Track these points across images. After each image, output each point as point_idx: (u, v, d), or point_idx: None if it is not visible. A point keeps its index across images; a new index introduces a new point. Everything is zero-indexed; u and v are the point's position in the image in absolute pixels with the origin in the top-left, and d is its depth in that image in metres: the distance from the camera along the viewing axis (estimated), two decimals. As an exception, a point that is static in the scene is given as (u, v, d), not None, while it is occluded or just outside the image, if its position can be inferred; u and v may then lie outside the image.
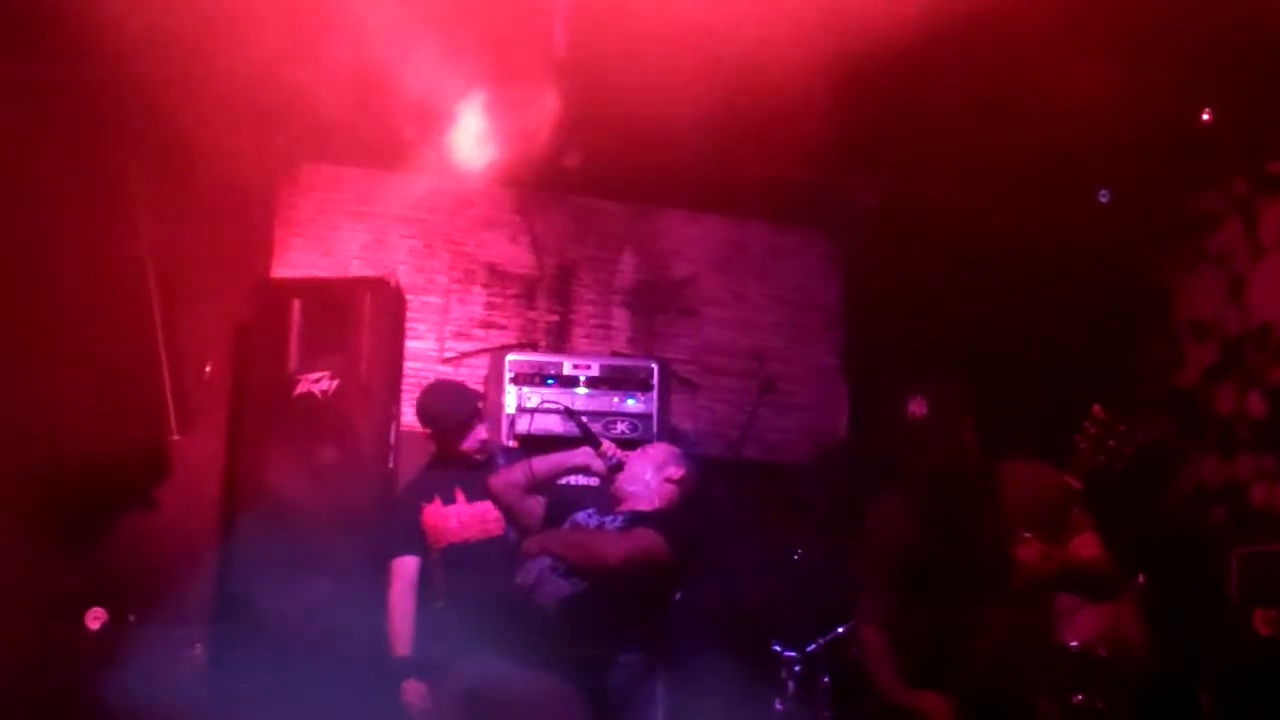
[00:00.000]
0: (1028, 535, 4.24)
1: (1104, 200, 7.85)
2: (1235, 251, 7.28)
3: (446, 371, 7.38)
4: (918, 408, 4.42)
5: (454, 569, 5.67)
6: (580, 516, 5.03)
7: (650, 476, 5.12)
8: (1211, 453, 7.29)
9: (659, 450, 5.30)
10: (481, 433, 5.93)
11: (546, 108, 6.65)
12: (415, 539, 5.71)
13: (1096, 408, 4.24)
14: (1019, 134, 7.12)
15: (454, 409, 5.86)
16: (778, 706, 6.32)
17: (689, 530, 5.02)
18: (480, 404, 6.05)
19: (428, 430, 5.91)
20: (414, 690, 5.45)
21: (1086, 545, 4.36)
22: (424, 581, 5.77)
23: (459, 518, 5.74)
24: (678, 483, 5.14)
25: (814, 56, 6.11)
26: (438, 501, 5.75)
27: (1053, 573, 4.30)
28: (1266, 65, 6.34)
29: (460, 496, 5.78)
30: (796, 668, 6.26)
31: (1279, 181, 6.98)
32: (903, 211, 7.92)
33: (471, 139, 6.74)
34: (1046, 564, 4.27)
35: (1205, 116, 6.93)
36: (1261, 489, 6.88)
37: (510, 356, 6.78)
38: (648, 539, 4.81)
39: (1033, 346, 7.63)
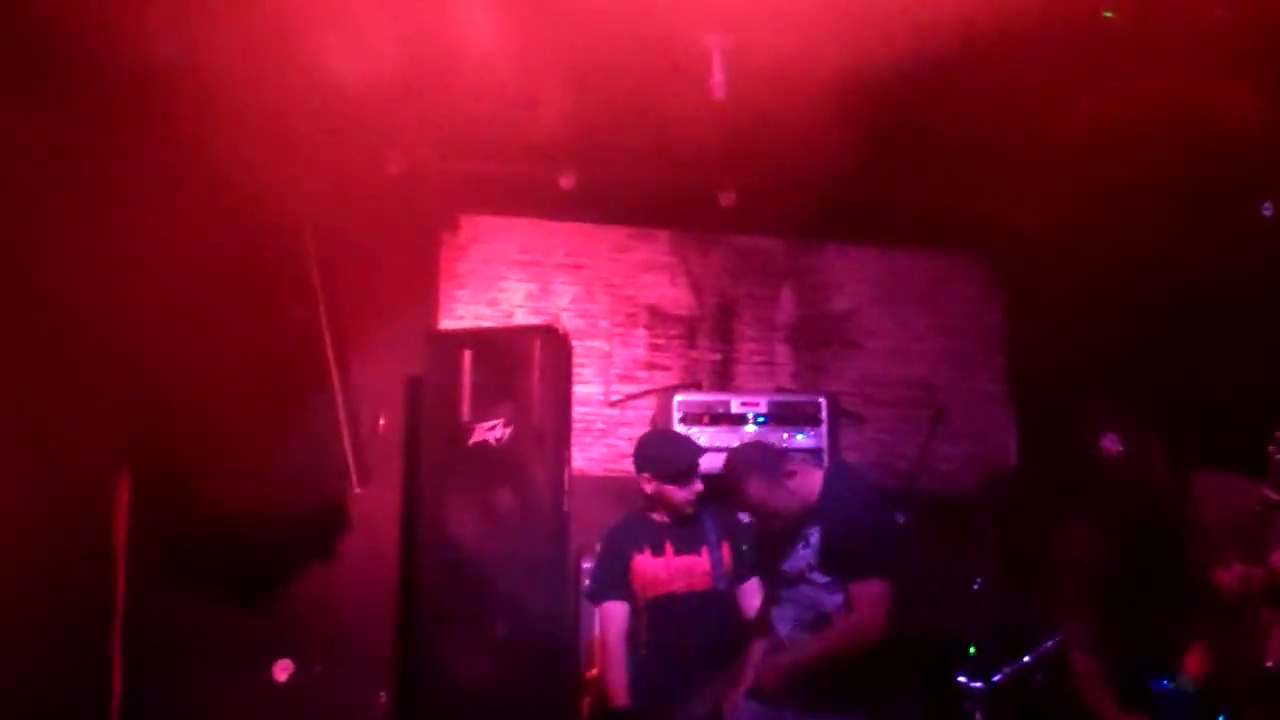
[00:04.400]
0: (1229, 555, 4.17)
1: (1268, 213, 7.69)
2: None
3: (613, 415, 7.46)
4: (1111, 445, 4.35)
5: (658, 619, 5.58)
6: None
7: None
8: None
9: None
10: (698, 485, 5.69)
11: (703, 148, 6.71)
12: (624, 585, 5.60)
13: None
14: (1178, 151, 7.02)
15: (677, 457, 5.69)
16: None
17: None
18: (702, 456, 5.79)
19: (644, 476, 5.67)
20: None
21: None
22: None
23: (668, 569, 5.61)
24: None
25: (962, 86, 6.12)
26: (648, 551, 5.62)
27: (1256, 592, 4.22)
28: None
29: (669, 549, 5.63)
30: (982, 699, 6.20)
31: None
32: (1061, 234, 7.84)
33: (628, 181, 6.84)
34: (1247, 585, 4.20)
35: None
36: None
37: (678, 397, 6.83)
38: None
39: (1199, 365, 7.48)
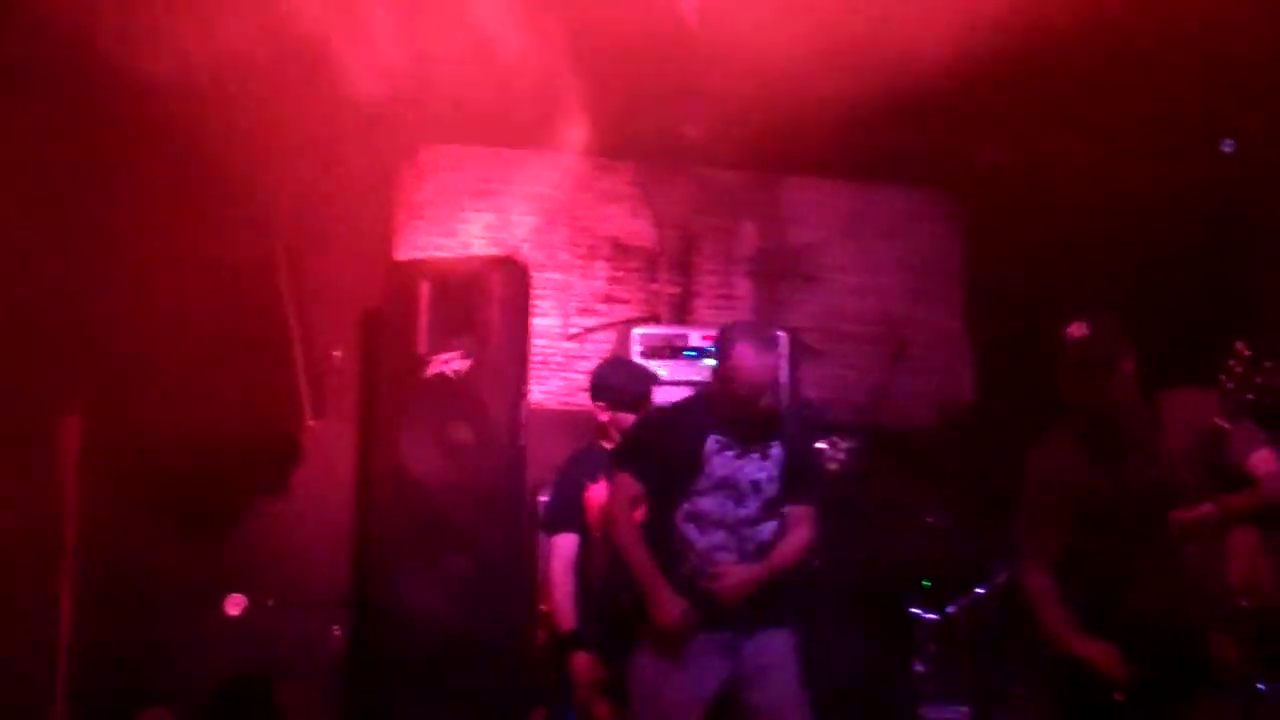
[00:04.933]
0: (1191, 482, 4.16)
1: (1228, 150, 7.69)
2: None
3: (571, 348, 7.42)
4: (1077, 330, 4.33)
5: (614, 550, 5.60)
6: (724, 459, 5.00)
7: None
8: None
9: None
10: None
11: (668, 78, 6.63)
12: (576, 517, 5.54)
13: (1240, 345, 4.13)
14: (1139, 85, 7.00)
15: (632, 384, 5.70)
16: (918, 668, 6.31)
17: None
18: (656, 385, 5.83)
19: (599, 404, 5.66)
20: (584, 661, 5.35)
21: (1264, 460, 4.26)
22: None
23: None
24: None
25: (933, 23, 6.06)
26: (602, 480, 5.53)
27: (1214, 528, 4.22)
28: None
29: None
30: (935, 630, 6.25)
31: None
32: (1024, 170, 7.79)
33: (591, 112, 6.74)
34: (1206, 524, 4.20)
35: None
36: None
37: (637, 330, 6.79)
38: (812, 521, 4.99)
39: (1158, 301, 7.48)
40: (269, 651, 6.78)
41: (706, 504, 4.91)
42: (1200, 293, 7.47)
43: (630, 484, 5.00)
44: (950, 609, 6.24)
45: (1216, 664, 4.29)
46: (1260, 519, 4.36)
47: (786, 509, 5.00)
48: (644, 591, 4.87)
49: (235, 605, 6.82)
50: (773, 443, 4.97)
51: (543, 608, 6.17)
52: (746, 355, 4.91)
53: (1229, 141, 7.64)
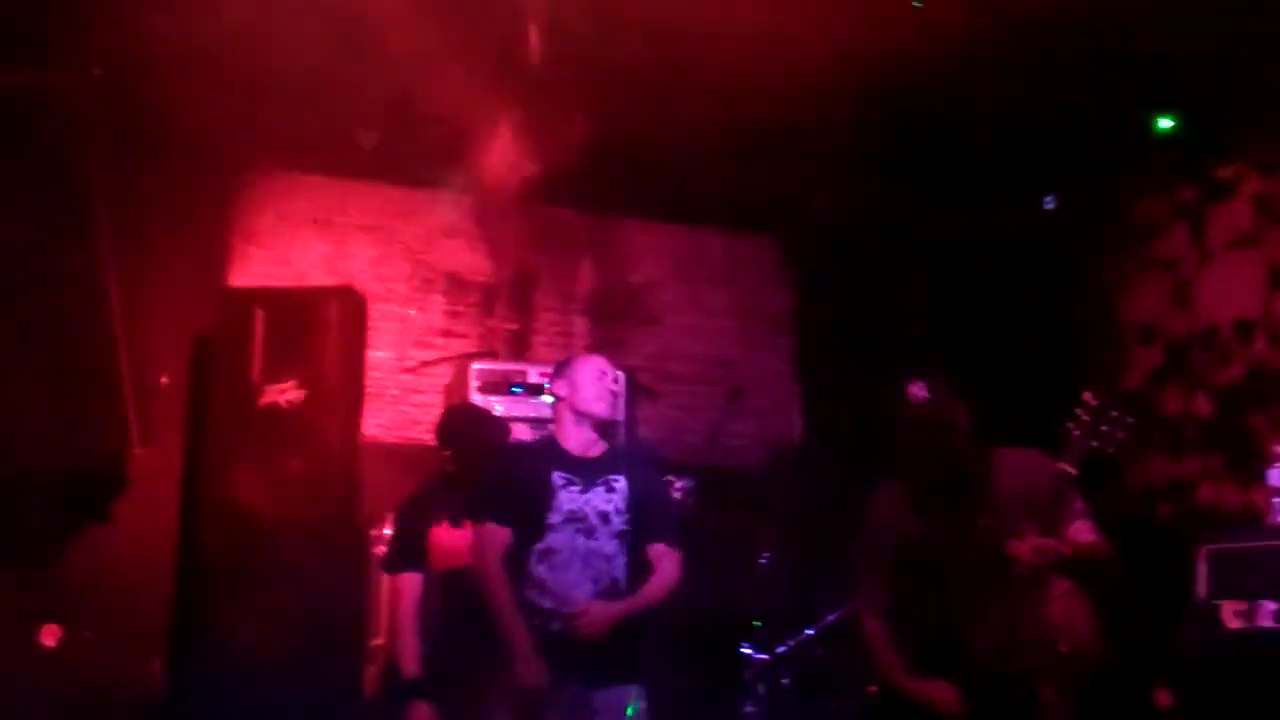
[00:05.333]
0: (1024, 528, 4.30)
1: (1050, 207, 7.98)
2: (1181, 257, 7.42)
3: (407, 381, 7.36)
4: (918, 390, 4.46)
5: (453, 591, 5.48)
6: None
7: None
8: (1158, 453, 7.41)
9: None
10: None
11: (509, 116, 6.66)
12: (420, 557, 5.47)
13: (1088, 394, 4.30)
14: (963, 142, 7.24)
15: (482, 435, 5.61)
16: (747, 709, 6.37)
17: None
18: (508, 434, 5.80)
19: (446, 452, 5.60)
20: (423, 712, 5.24)
21: (1083, 531, 4.43)
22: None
23: (467, 541, 5.57)
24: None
25: (765, 66, 6.19)
26: (446, 524, 5.49)
27: (1050, 564, 4.36)
28: (1213, 72, 6.48)
29: (469, 522, 5.50)
30: (765, 670, 6.32)
31: (1226, 187, 7.10)
32: (851, 218, 7.99)
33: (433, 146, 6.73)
34: (1042, 557, 4.34)
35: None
36: (1209, 488, 7.04)
37: (475, 365, 6.76)
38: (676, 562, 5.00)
39: (982, 352, 7.71)
40: (85, 684, 6.56)
41: (558, 540, 4.90)
42: (1021, 343, 7.74)
43: (497, 532, 4.92)
44: (780, 649, 6.31)
45: (1041, 710, 4.45)
46: (1078, 573, 4.55)
47: (649, 548, 4.98)
48: (510, 648, 4.78)
49: (51, 635, 6.59)
50: (615, 476, 4.98)
51: (375, 643, 6.12)
52: (585, 379, 4.97)
53: (1050, 198, 7.95)
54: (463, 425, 5.67)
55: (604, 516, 4.91)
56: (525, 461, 5.07)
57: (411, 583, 5.44)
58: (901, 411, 4.48)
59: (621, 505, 4.94)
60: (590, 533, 4.90)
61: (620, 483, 4.97)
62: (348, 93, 6.52)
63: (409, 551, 5.47)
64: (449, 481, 5.59)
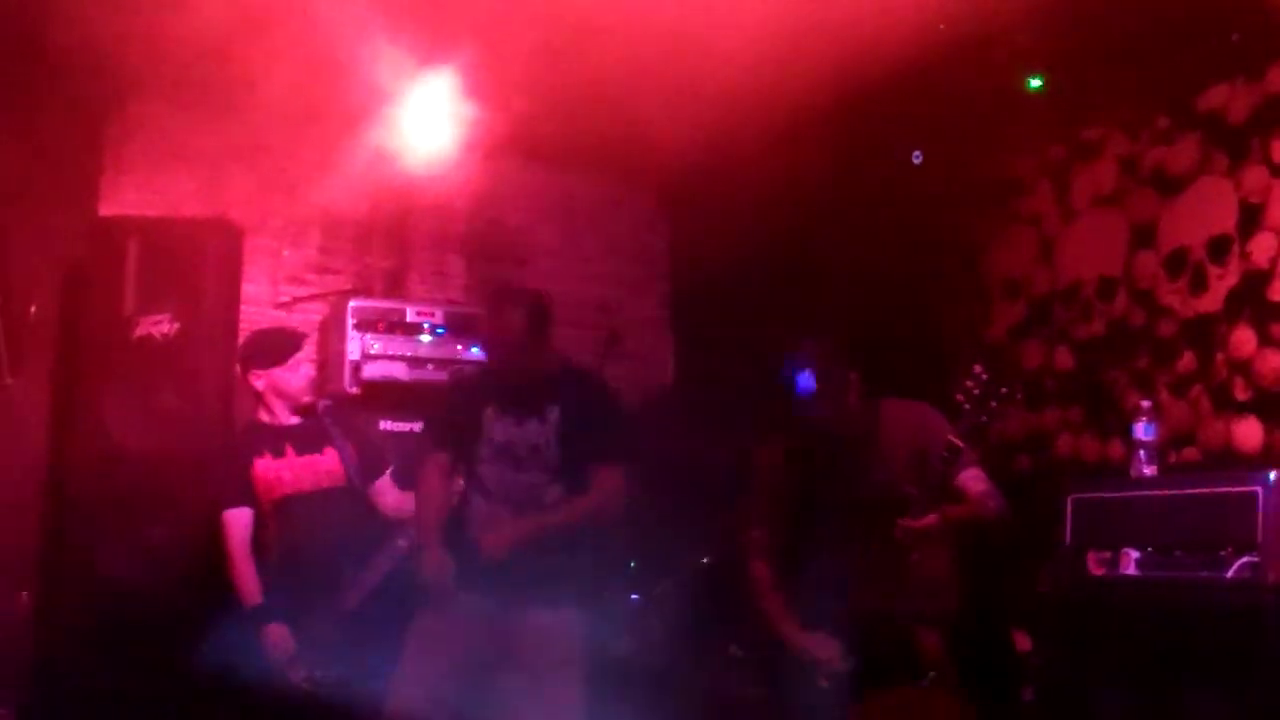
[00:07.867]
0: (912, 493, 4.43)
1: (917, 161, 8.11)
2: (1046, 214, 7.61)
3: (281, 316, 7.28)
4: (806, 382, 4.58)
5: (285, 521, 5.58)
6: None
7: None
8: (1017, 406, 7.59)
9: None
10: (310, 370, 5.92)
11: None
12: (247, 492, 5.57)
13: (978, 367, 4.45)
14: (836, 93, 7.31)
15: (278, 339, 5.78)
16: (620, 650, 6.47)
17: None
18: (304, 341, 5.87)
19: (252, 373, 5.70)
20: (278, 633, 5.37)
21: (973, 480, 4.58)
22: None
23: (291, 469, 5.63)
24: None
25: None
26: (267, 455, 5.61)
27: (937, 532, 4.50)
28: (1085, 34, 6.62)
29: (289, 450, 5.66)
30: (640, 610, 6.42)
31: (1093, 148, 7.28)
32: (725, 164, 8.03)
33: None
34: (929, 533, 4.48)
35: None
36: (1067, 439, 7.25)
37: (353, 302, 6.74)
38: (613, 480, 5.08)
39: (850, 302, 7.84)
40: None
41: (488, 472, 4.98)
42: (888, 298, 7.87)
43: (442, 459, 5.11)
44: (656, 590, 6.41)
45: (920, 657, 4.62)
46: (967, 532, 4.71)
47: (588, 470, 5.02)
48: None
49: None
50: (550, 406, 5.03)
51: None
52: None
53: (918, 153, 8.07)
54: (254, 342, 5.83)
55: (534, 449, 5.01)
56: (461, 393, 5.28)
57: (242, 516, 5.55)
58: (790, 399, 4.59)
59: (552, 436, 5.00)
60: (518, 465, 5.01)
61: (554, 413, 5.03)
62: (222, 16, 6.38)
63: (236, 486, 5.57)
64: (261, 413, 5.72)
